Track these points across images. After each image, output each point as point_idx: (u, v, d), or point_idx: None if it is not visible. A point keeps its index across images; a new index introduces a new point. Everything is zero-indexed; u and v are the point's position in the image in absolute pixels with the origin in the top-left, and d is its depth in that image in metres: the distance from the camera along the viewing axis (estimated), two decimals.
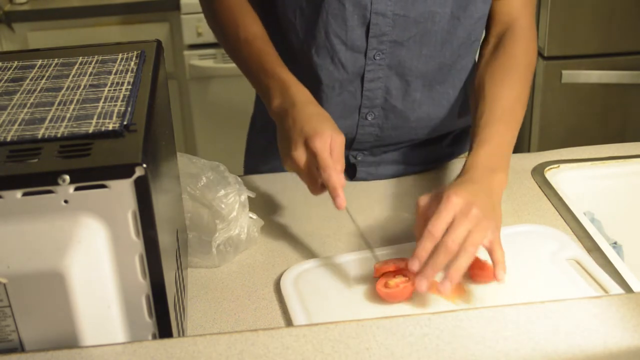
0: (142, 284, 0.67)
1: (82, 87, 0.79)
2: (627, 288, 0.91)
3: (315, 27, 1.08)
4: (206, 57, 2.56)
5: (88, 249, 0.63)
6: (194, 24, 2.50)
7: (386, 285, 0.89)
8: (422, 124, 1.17)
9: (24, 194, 0.62)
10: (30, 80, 0.82)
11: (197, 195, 0.98)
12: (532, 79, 1.11)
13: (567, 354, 0.63)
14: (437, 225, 0.86)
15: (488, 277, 0.92)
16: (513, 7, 1.11)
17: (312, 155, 0.93)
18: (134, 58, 0.86)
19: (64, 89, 0.79)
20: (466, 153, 1.12)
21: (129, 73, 0.82)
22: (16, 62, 0.87)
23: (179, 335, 0.74)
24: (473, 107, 1.07)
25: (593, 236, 1.02)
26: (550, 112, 2.38)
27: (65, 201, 0.63)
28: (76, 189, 0.63)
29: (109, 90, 0.78)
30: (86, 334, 0.64)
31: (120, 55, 0.87)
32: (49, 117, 0.72)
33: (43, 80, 0.81)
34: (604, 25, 2.26)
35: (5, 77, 0.83)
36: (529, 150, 2.46)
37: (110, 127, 0.69)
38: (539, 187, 1.15)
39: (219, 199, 0.97)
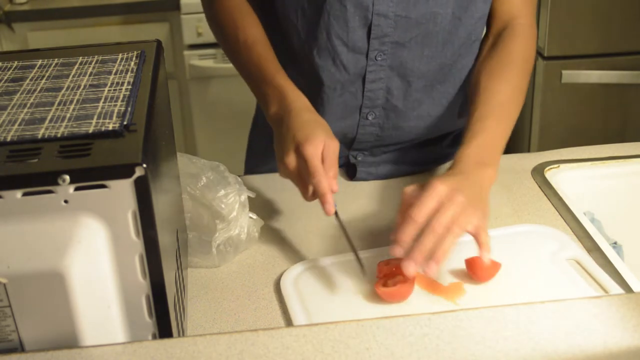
0: (142, 284, 0.67)
1: (82, 87, 0.79)
2: (627, 288, 0.91)
3: (317, 29, 1.08)
4: (206, 57, 2.56)
5: (88, 249, 0.63)
6: (194, 24, 2.50)
7: (385, 285, 0.89)
8: (422, 123, 1.17)
9: (24, 194, 0.62)
10: (30, 80, 0.82)
11: (197, 195, 0.98)
12: (530, 76, 1.11)
13: (567, 354, 0.63)
14: (420, 212, 0.86)
15: (488, 277, 0.92)
16: (513, 6, 1.11)
17: (303, 161, 0.93)
18: (134, 58, 0.86)
19: (64, 89, 0.79)
20: None
21: (129, 73, 0.82)
22: (16, 62, 0.87)
23: (179, 335, 0.74)
24: (469, 102, 1.07)
25: (593, 236, 1.02)
26: (550, 112, 2.38)
27: (65, 201, 0.63)
28: (76, 189, 0.63)
29: (109, 90, 0.78)
30: (86, 334, 0.64)
31: (120, 55, 0.87)
32: (49, 117, 0.72)
33: (43, 80, 0.81)
34: (604, 25, 2.26)
35: (5, 77, 0.83)
36: (529, 150, 2.46)
37: (110, 127, 0.69)
38: (539, 187, 1.15)
39: (219, 199, 0.97)
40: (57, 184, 0.62)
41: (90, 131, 0.69)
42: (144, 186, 0.63)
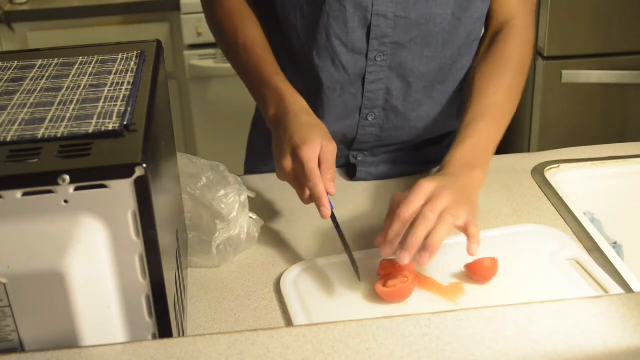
0: (142, 284, 0.67)
1: (82, 87, 0.79)
2: (627, 288, 0.91)
3: (316, 29, 1.08)
4: (206, 57, 2.56)
5: (88, 249, 0.63)
6: (194, 24, 2.50)
7: (385, 285, 0.89)
8: (422, 123, 1.17)
9: (24, 194, 0.62)
10: (30, 80, 0.82)
11: (197, 195, 0.98)
12: (526, 78, 1.11)
13: (567, 354, 0.63)
14: (407, 210, 0.87)
15: (488, 276, 0.92)
16: (510, 6, 1.11)
17: (300, 164, 0.93)
18: (134, 58, 0.86)
19: (64, 89, 0.79)
20: None
21: (129, 73, 0.82)
22: (16, 62, 0.87)
23: (179, 335, 0.74)
24: (463, 103, 1.07)
25: (593, 236, 1.02)
26: (550, 112, 2.38)
27: (65, 201, 0.63)
28: (76, 189, 0.63)
29: (109, 90, 0.78)
30: (86, 334, 0.64)
31: (120, 55, 0.87)
32: (49, 117, 0.72)
33: (43, 80, 0.81)
34: (604, 25, 2.26)
35: (5, 77, 0.83)
36: (529, 150, 2.46)
37: (110, 127, 0.69)
38: (539, 187, 1.15)
39: (219, 199, 0.97)
40: (57, 184, 0.62)
41: (90, 131, 0.69)
42: (144, 186, 0.63)
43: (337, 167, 1.23)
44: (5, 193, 0.62)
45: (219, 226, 0.97)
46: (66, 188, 0.62)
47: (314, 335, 0.65)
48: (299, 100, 1.02)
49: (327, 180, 0.92)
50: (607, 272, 0.93)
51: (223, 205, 0.97)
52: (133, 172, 0.63)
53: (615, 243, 1.10)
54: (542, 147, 2.27)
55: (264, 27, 1.12)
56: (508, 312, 0.68)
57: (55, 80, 0.81)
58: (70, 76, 0.82)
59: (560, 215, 1.07)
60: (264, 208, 1.12)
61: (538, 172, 1.19)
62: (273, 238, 1.05)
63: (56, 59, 0.87)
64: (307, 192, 0.94)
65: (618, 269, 0.94)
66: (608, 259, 0.96)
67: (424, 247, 0.85)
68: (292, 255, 1.01)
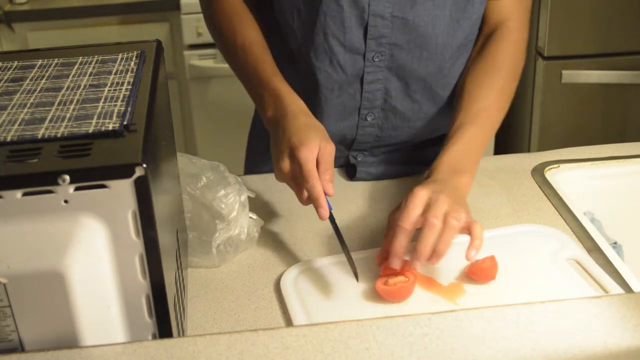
0: (142, 284, 0.67)
1: (82, 87, 0.79)
2: (627, 288, 0.91)
3: (314, 30, 1.08)
4: (206, 57, 2.56)
5: (88, 249, 0.63)
6: (194, 24, 2.50)
7: (386, 284, 0.89)
8: (421, 123, 1.17)
9: (24, 194, 0.62)
10: (30, 80, 0.82)
11: (197, 195, 0.98)
12: (518, 80, 1.11)
13: (567, 354, 0.63)
14: (408, 219, 0.88)
15: (488, 277, 0.92)
16: (503, 7, 1.11)
17: (298, 165, 0.93)
18: (134, 58, 0.86)
19: (64, 89, 0.79)
20: None
21: (129, 73, 0.82)
22: (16, 62, 0.87)
23: (179, 335, 0.74)
24: (454, 106, 1.08)
25: (593, 236, 1.02)
26: (550, 112, 2.38)
27: (65, 201, 0.63)
28: (76, 189, 0.63)
29: (109, 90, 0.78)
30: (86, 334, 0.64)
31: (120, 55, 0.87)
32: (49, 117, 0.72)
33: (43, 80, 0.81)
34: (604, 25, 2.26)
35: (5, 77, 0.83)
36: (529, 150, 2.46)
37: (110, 127, 0.69)
38: (539, 187, 1.15)
39: (219, 199, 0.97)
40: (57, 184, 0.62)
41: (90, 131, 0.69)
42: (144, 186, 0.63)
43: (336, 167, 1.23)
44: (5, 193, 0.62)
45: (219, 226, 0.97)
46: (66, 188, 0.62)
47: (314, 335, 0.65)
48: (297, 101, 1.02)
49: (325, 181, 0.93)
50: (607, 272, 0.93)
51: (223, 205, 0.97)
52: (133, 172, 0.63)
53: (615, 243, 1.10)
54: (542, 147, 2.27)
55: (263, 28, 1.12)
56: (508, 312, 0.68)
57: (55, 80, 0.81)
58: (70, 76, 0.82)
59: (560, 215, 1.07)
60: (264, 208, 1.12)
61: (538, 172, 1.19)
62: (273, 238, 1.05)
63: (56, 59, 0.87)
64: (305, 194, 0.94)
65: (618, 269, 0.94)
66: (608, 259, 0.96)
67: (434, 253, 0.87)
68: (292, 255, 1.01)
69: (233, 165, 1.14)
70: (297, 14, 1.09)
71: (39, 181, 0.62)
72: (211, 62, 2.55)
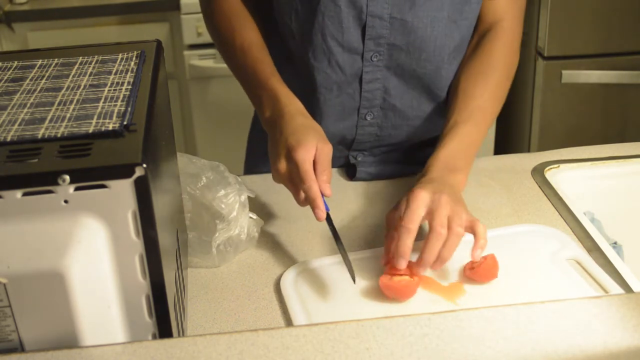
0: (142, 284, 0.67)
1: (82, 87, 0.79)
2: (627, 288, 0.91)
3: (312, 30, 1.08)
4: (206, 57, 2.56)
5: (88, 249, 0.63)
6: (194, 24, 2.50)
7: (390, 280, 0.89)
8: (421, 121, 1.17)
9: (24, 194, 0.62)
10: (30, 80, 0.82)
11: (197, 195, 0.98)
12: (511, 80, 1.12)
13: (567, 354, 0.63)
14: (412, 220, 0.89)
15: (488, 277, 0.92)
16: (498, 7, 1.11)
17: (295, 166, 0.93)
18: (134, 58, 0.86)
19: (64, 89, 0.79)
20: None
21: (129, 73, 0.82)
22: (16, 62, 0.87)
23: (179, 335, 0.74)
24: (448, 104, 1.08)
25: (593, 236, 1.02)
26: (550, 112, 2.38)
27: (65, 201, 0.63)
28: (76, 189, 0.63)
29: (109, 90, 0.78)
30: (86, 334, 0.64)
31: (120, 55, 0.87)
32: (49, 117, 0.72)
33: (43, 80, 0.81)
34: (604, 25, 2.26)
35: (5, 77, 0.83)
36: (529, 150, 2.46)
37: (110, 127, 0.69)
38: (539, 187, 1.15)
39: (219, 199, 0.97)
40: (57, 184, 0.62)
41: (90, 131, 0.69)
42: (144, 186, 0.63)
43: (336, 167, 1.23)
44: (5, 193, 0.62)
45: (219, 226, 0.97)
46: (66, 188, 0.62)
47: (314, 335, 0.65)
48: (295, 102, 1.02)
49: (322, 182, 0.92)
50: (607, 272, 0.93)
51: (223, 205, 0.97)
52: (133, 172, 0.63)
53: (615, 243, 1.10)
54: (542, 147, 2.27)
55: (261, 28, 1.12)
56: (508, 312, 0.68)
57: (55, 80, 0.81)
58: (70, 76, 0.82)
59: (560, 215, 1.07)
60: (264, 208, 1.12)
61: (538, 172, 1.19)
62: (273, 238, 1.05)
63: (56, 59, 0.87)
64: (303, 195, 0.94)
65: (618, 269, 0.94)
66: (608, 259, 0.96)
67: (439, 259, 0.89)
68: (292, 256, 1.01)
69: (233, 165, 1.14)
70: (295, 15, 1.09)
71: (39, 181, 0.62)
72: (211, 62, 2.55)
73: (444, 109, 1.17)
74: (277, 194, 1.15)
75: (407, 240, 0.88)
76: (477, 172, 1.18)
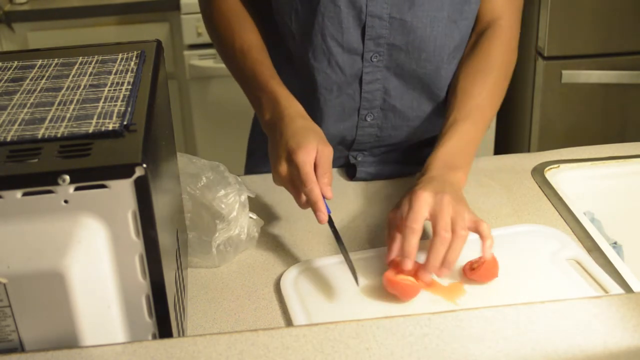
0: (142, 284, 0.67)
1: (82, 87, 0.79)
2: (627, 288, 0.91)
3: (312, 30, 1.08)
4: (206, 57, 2.56)
5: (88, 249, 0.63)
6: (194, 24, 2.50)
7: (395, 277, 0.89)
8: (421, 121, 1.17)
9: (24, 194, 0.62)
10: (30, 80, 0.82)
11: (197, 195, 0.98)
12: (509, 79, 1.12)
13: (567, 354, 0.63)
14: (416, 220, 0.89)
15: (488, 277, 0.92)
16: (496, 5, 1.11)
17: (295, 168, 0.93)
18: (134, 58, 0.86)
19: (64, 89, 0.79)
20: None
21: (129, 73, 0.82)
22: (16, 62, 0.87)
23: (179, 335, 0.74)
24: (447, 103, 1.08)
25: (593, 236, 1.02)
26: (550, 112, 2.38)
27: (65, 201, 0.63)
28: (76, 189, 0.63)
29: (109, 90, 0.78)
30: (86, 334, 0.64)
31: (120, 55, 0.87)
32: (49, 117, 0.72)
33: (43, 80, 0.81)
34: (604, 25, 2.26)
35: (5, 77, 0.83)
36: (529, 150, 2.46)
37: (110, 127, 0.69)
38: (539, 187, 1.15)
39: (219, 199, 0.97)
40: (57, 184, 0.62)
41: (90, 131, 0.69)
42: (144, 186, 0.63)
43: (336, 167, 1.23)
44: (5, 193, 0.62)
45: (219, 226, 0.97)
46: (66, 188, 0.62)
47: (314, 335, 0.65)
48: (294, 105, 1.01)
49: (323, 184, 0.92)
50: (607, 272, 0.93)
51: (223, 205, 0.97)
52: (133, 172, 0.63)
53: (615, 243, 1.10)
54: (542, 147, 2.27)
55: (261, 29, 1.12)
56: (508, 312, 0.68)
57: (55, 80, 0.81)
58: (70, 76, 0.82)
59: (560, 215, 1.07)
60: (264, 208, 1.12)
61: (538, 172, 1.19)
62: (273, 238, 1.05)
63: (56, 59, 0.87)
64: (304, 197, 0.94)
65: (618, 269, 0.94)
66: (608, 259, 0.96)
67: (444, 264, 0.88)
68: (292, 256, 1.01)
69: (233, 165, 1.14)
70: (295, 15, 1.09)
71: (39, 181, 0.62)
72: (211, 62, 2.55)
73: (443, 109, 1.17)
74: (277, 194, 1.15)
75: (412, 241, 0.88)
76: (477, 172, 1.18)
